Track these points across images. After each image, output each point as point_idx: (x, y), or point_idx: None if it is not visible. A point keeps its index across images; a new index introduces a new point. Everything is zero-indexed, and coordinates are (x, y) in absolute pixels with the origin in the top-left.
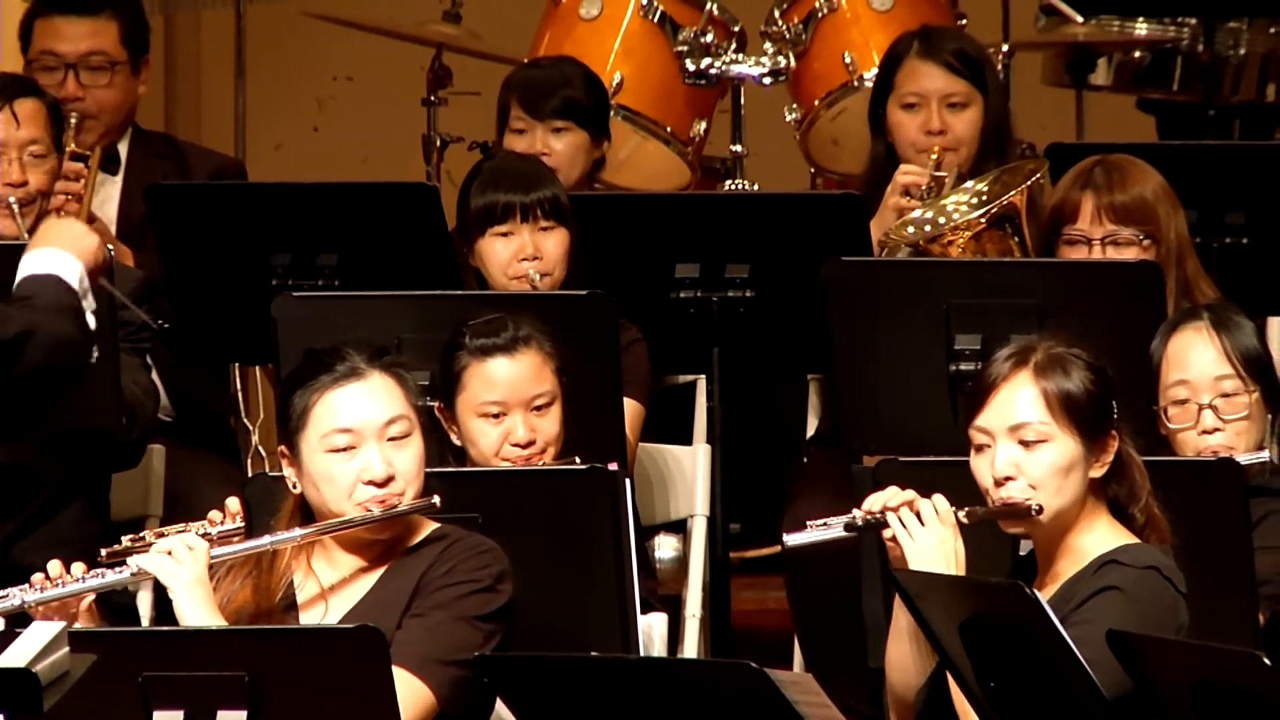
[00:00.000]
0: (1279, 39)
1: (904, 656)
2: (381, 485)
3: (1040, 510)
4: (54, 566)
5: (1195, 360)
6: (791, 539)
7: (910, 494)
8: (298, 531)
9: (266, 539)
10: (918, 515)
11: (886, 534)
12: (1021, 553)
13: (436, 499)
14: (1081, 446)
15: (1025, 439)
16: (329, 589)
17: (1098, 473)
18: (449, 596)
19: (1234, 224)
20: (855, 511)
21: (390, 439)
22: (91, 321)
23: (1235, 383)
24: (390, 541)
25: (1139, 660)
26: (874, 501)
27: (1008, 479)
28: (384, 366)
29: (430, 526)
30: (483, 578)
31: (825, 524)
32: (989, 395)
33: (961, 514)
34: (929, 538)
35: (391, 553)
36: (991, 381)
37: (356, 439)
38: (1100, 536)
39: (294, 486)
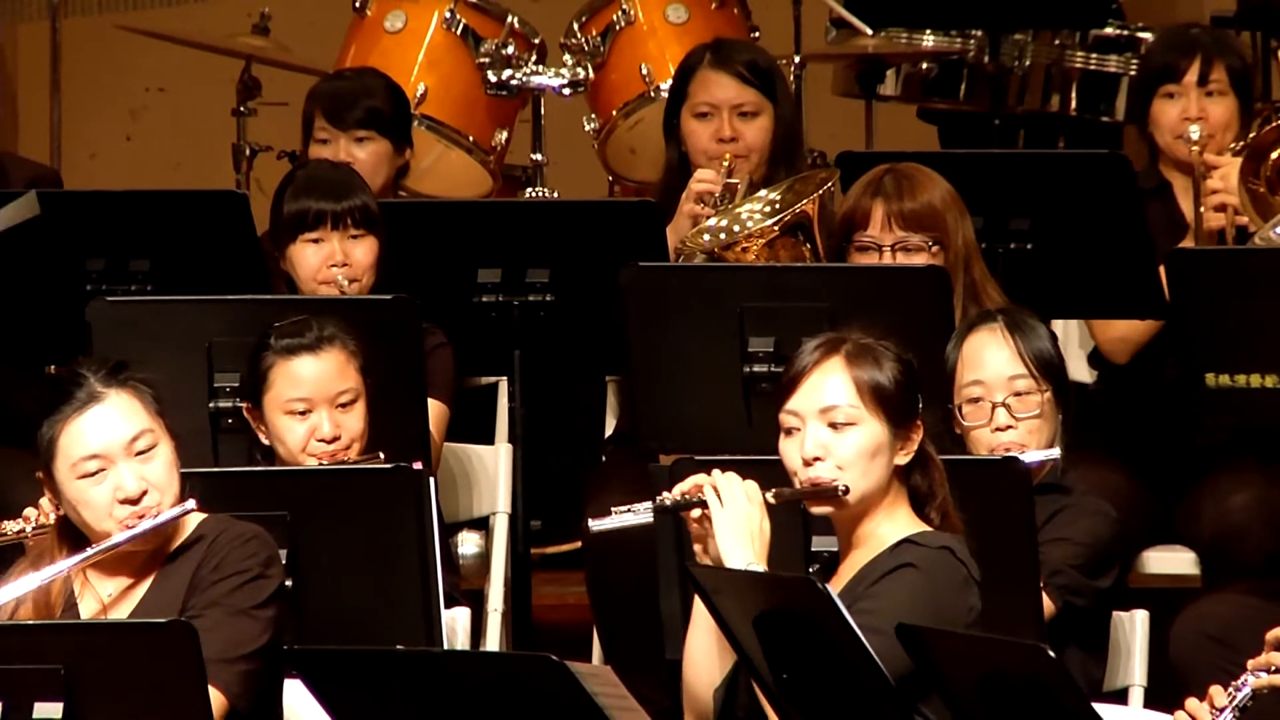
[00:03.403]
0: (1062, 50)
1: (701, 652)
2: (136, 502)
3: (847, 491)
4: None
5: (990, 360)
6: (595, 524)
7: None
8: (64, 564)
9: (38, 577)
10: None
11: (695, 514)
12: (813, 547)
13: (192, 502)
14: (888, 432)
15: (835, 421)
16: (108, 600)
17: (902, 460)
18: (222, 592)
19: (1019, 230)
20: (664, 494)
21: (138, 453)
22: None
23: (1028, 382)
24: (157, 548)
25: (927, 652)
26: (686, 483)
27: (816, 459)
28: (120, 384)
29: (190, 527)
30: (250, 566)
31: (630, 510)
32: (800, 380)
33: (769, 494)
34: (737, 511)
35: (158, 558)
36: (802, 368)
37: (105, 462)
38: (899, 525)
39: (57, 508)
